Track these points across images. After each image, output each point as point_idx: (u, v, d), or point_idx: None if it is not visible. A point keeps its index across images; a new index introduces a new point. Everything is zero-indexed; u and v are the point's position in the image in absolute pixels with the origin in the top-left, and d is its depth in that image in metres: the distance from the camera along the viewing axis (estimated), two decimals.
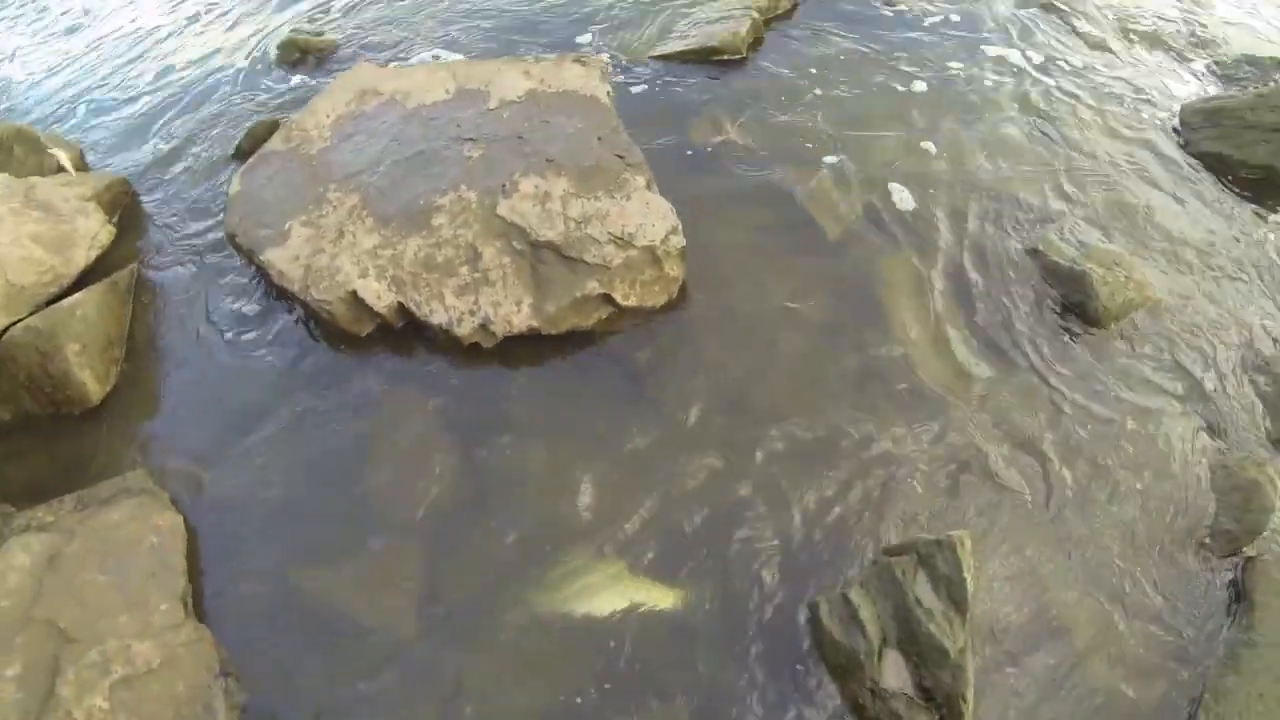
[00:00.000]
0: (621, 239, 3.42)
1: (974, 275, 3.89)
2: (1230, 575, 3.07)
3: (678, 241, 3.49)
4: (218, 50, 5.15)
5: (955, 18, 5.37)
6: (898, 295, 3.77)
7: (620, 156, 3.76)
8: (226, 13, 5.63)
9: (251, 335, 3.52)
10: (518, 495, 3.04)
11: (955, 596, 2.69)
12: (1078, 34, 5.48)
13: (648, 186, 3.65)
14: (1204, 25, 5.76)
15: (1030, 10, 5.55)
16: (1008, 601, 2.93)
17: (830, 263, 3.85)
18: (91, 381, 3.39)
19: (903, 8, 5.36)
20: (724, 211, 3.94)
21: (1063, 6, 5.63)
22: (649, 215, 3.52)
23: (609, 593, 2.85)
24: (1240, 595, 3.01)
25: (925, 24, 5.29)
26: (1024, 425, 3.37)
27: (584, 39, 4.96)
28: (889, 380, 3.45)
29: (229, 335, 3.53)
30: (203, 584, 2.89)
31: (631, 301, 3.39)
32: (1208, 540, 3.15)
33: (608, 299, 3.37)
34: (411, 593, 2.85)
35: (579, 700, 2.64)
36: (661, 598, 2.85)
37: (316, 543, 2.96)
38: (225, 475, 3.15)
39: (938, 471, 3.19)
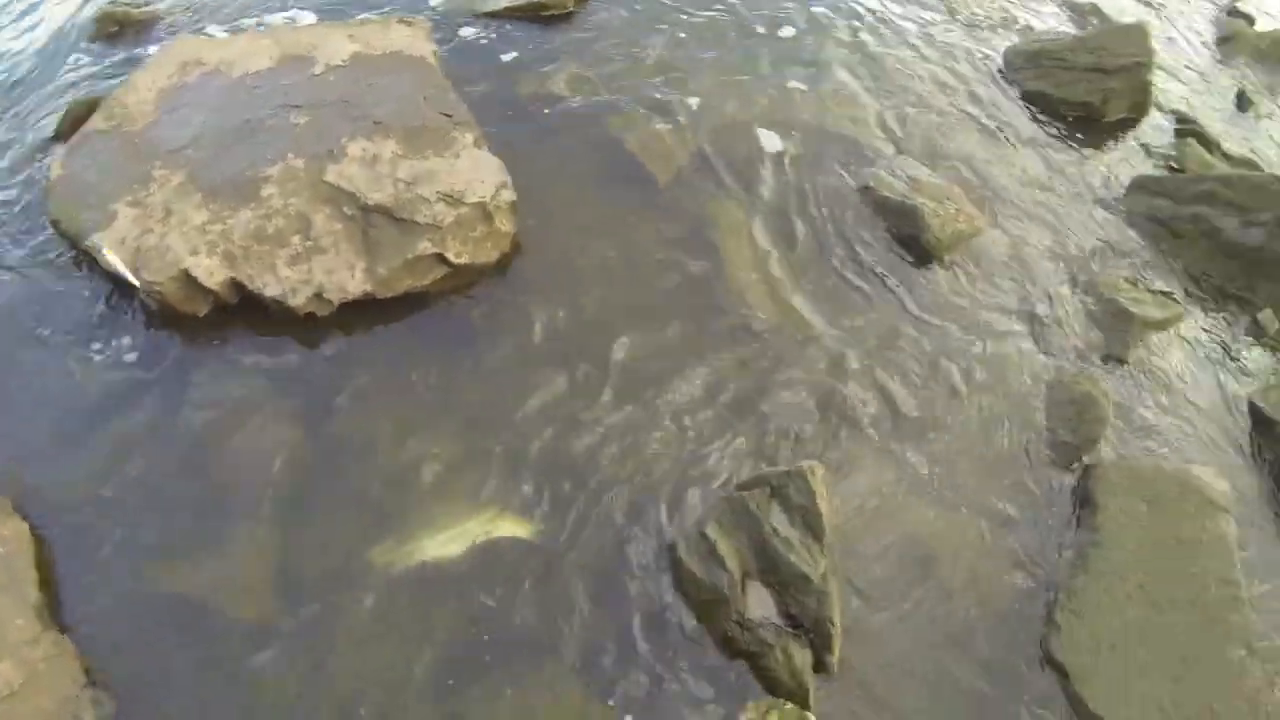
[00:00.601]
0: (451, 197, 3.56)
1: (806, 213, 4.14)
2: (1073, 483, 3.35)
3: (508, 196, 3.65)
4: (28, 26, 4.94)
5: None
6: (730, 237, 3.98)
7: (448, 115, 3.88)
8: None
9: (83, 326, 3.46)
10: (367, 462, 3.13)
11: (811, 524, 2.84)
12: None
13: (476, 144, 3.78)
14: None
15: None
16: (864, 525, 3.12)
17: (662, 210, 4.03)
18: None
19: None
20: (554, 165, 4.09)
21: None
22: (478, 172, 3.66)
23: (463, 544, 2.97)
24: (1084, 500, 3.27)
25: None
26: (864, 355, 3.61)
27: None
28: (727, 320, 3.66)
29: (58, 328, 3.46)
30: (58, 593, 2.82)
31: (464, 259, 3.55)
32: (1048, 452, 3.45)
33: (441, 258, 3.51)
34: (270, 575, 2.88)
35: (443, 651, 2.73)
36: (518, 547, 2.98)
37: (170, 537, 2.94)
38: (67, 476, 3.08)
39: (782, 404, 3.42)
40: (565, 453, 3.22)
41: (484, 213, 3.58)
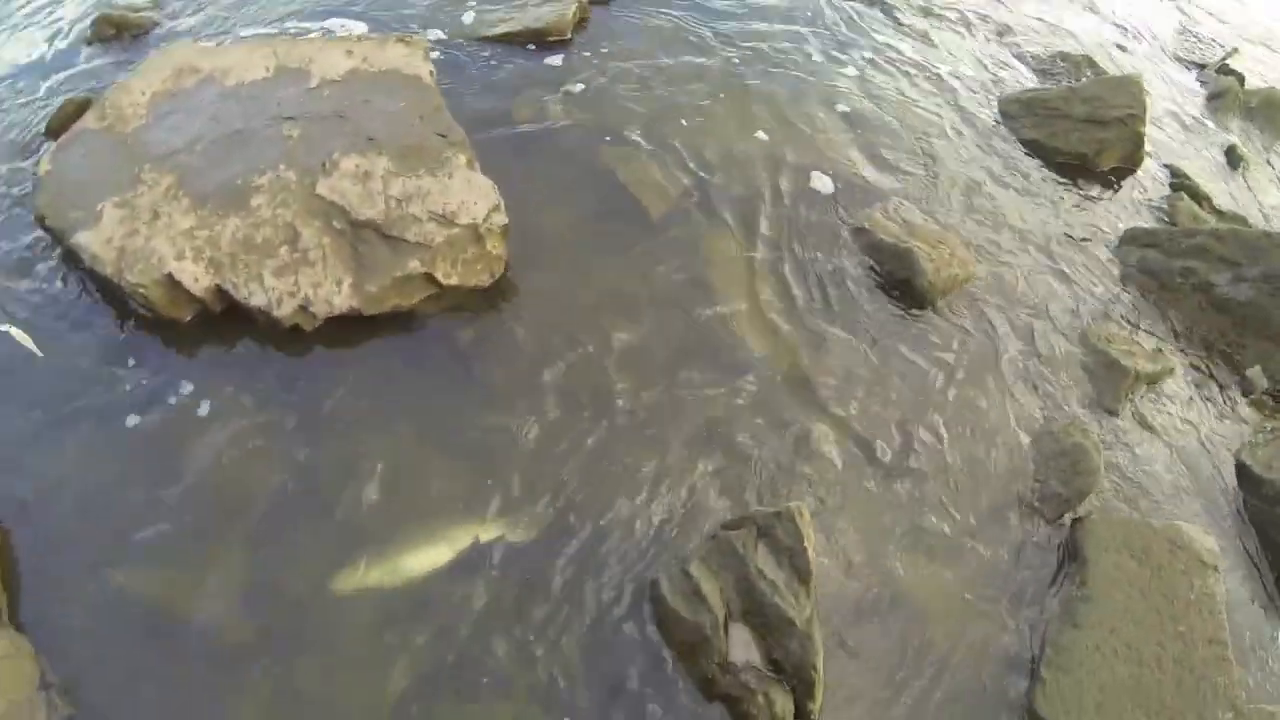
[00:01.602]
0: (443, 217, 3.51)
1: (799, 251, 4.11)
2: (1062, 536, 3.30)
3: (500, 220, 3.60)
4: (23, 26, 4.88)
5: (783, 5, 5.60)
6: (722, 272, 3.95)
7: (442, 135, 3.84)
8: None
9: (64, 325, 3.40)
10: (344, 481, 3.06)
11: (798, 566, 2.77)
12: (902, 26, 5.80)
13: (469, 165, 3.74)
14: (1014, 23, 6.22)
15: (854, 2, 5.83)
16: (849, 572, 3.06)
17: (654, 242, 3.99)
18: None
19: None
20: (548, 191, 4.06)
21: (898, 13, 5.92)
22: (471, 193, 3.62)
23: (437, 566, 2.91)
24: (1073, 554, 3.23)
25: (753, 9, 5.51)
26: (853, 399, 3.56)
27: (411, 18, 4.95)
28: (716, 355, 3.61)
29: (38, 326, 3.40)
30: (18, 591, 2.76)
31: (454, 280, 3.49)
32: (1038, 504, 3.40)
33: (430, 278, 3.45)
34: (240, 588, 2.81)
35: (412, 675, 2.67)
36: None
37: (139, 542, 2.87)
38: (39, 475, 3.01)
39: (770, 445, 3.36)
40: (547, 480, 3.15)
41: (475, 235, 3.53)
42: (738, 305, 3.82)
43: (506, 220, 3.61)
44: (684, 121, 4.54)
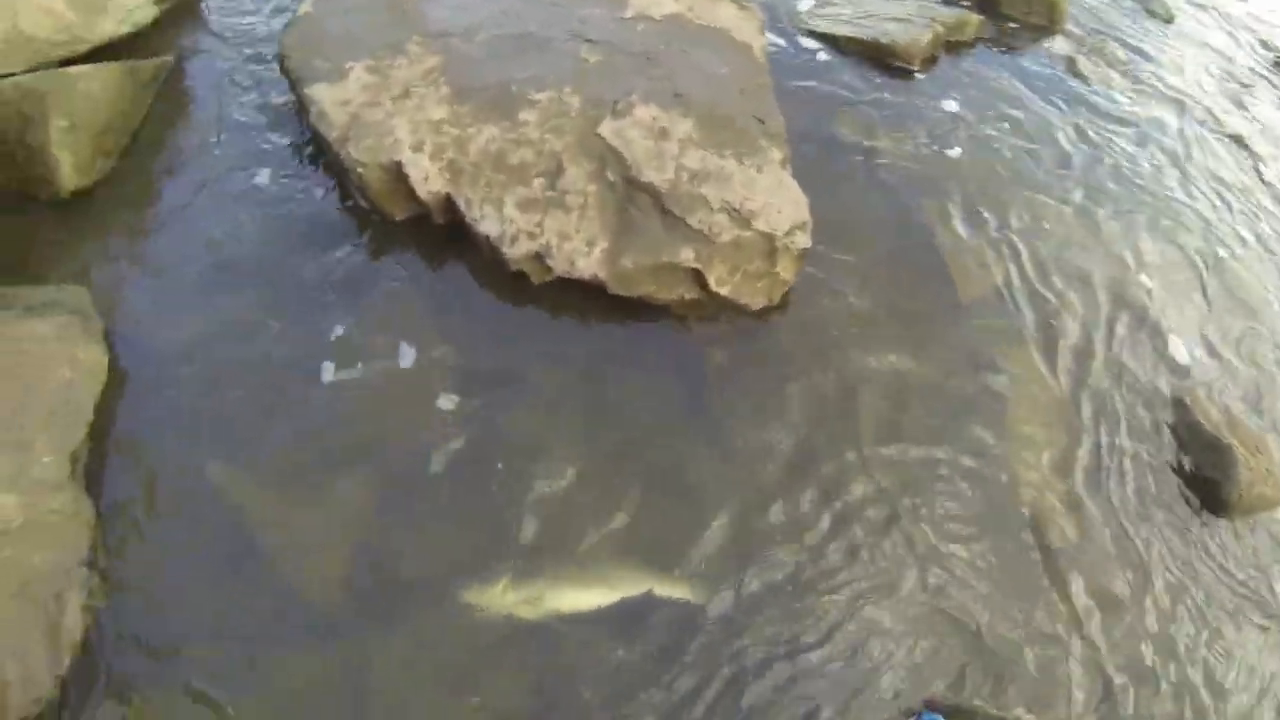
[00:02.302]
0: (738, 213, 2.74)
1: (1104, 398, 3.21)
2: None
3: (802, 241, 2.81)
4: None
5: (1148, 124, 4.61)
6: (1016, 391, 3.09)
7: (760, 120, 3.08)
8: None
9: (268, 178, 2.88)
10: (518, 478, 2.40)
11: None
12: (1263, 176, 4.72)
13: (783, 164, 2.97)
14: None
15: (1220, 138, 4.77)
16: None
17: (954, 327, 3.17)
18: (68, 167, 2.82)
19: (1089, 77, 4.61)
20: (854, 224, 3.25)
21: (1258, 150, 4.83)
22: (778, 197, 2.84)
23: (583, 617, 2.24)
24: None
25: (1109, 99, 4.55)
26: (1116, 603, 2.69)
27: None
28: (976, 490, 2.78)
29: (245, 170, 2.89)
30: (105, 447, 2.29)
31: (725, 291, 2.71)
32: None
33: (698, 278, 2.69)
34: (350, 546, 2.23)
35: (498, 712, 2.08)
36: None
37: (255, 450, 2.34)
38: (178, 329, 2.52)
39: (1004, 626, 2.52)
40: (757, 554, 2.42)
41: (769, 248, 2.75)
42: (1023, 443, 2.96)
43: (809, 243, 2.81)
44: (1025, 206, 3.65)
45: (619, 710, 2.11)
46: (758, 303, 2.78)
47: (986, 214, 3.53)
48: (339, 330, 2.60)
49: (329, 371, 2.49)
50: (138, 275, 2.66)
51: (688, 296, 2.72)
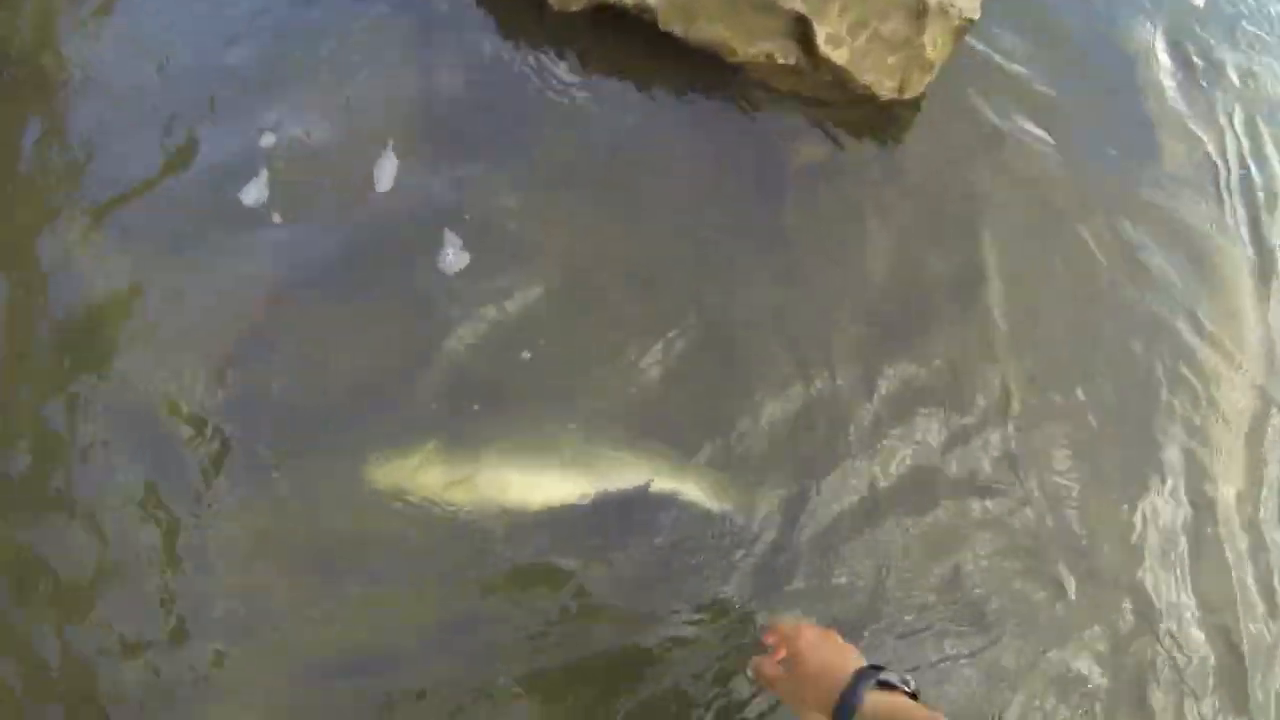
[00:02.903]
0: None
1: None
2: None
3: (969, 7, 1.87)
4: None
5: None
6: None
7: None
8: None
9: None
10: (487, 286, 1.69)
11: None
12: None
13: None
14: None
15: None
16: None
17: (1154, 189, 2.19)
18: None
19: None
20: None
21: None
22: None
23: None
24: None
25: None
26: None
27: None
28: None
29: None
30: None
31: (839, 58, 1.83)
32: None
33: (802, 30, 1.81)
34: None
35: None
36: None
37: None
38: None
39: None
40: (817, 458, 1.67)
41: (919, 7, 1.83)
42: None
43: (977, 16, 1.88)
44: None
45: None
46: (885, 88, 1.89)
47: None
48: (323, 52, 1.88)
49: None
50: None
51: (780, 59, 1.85)
